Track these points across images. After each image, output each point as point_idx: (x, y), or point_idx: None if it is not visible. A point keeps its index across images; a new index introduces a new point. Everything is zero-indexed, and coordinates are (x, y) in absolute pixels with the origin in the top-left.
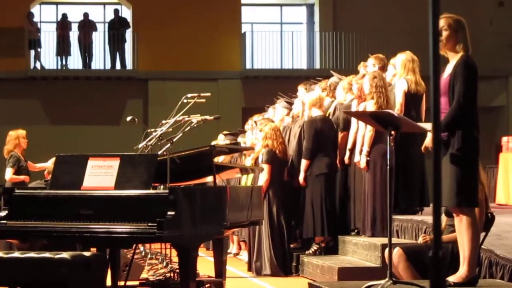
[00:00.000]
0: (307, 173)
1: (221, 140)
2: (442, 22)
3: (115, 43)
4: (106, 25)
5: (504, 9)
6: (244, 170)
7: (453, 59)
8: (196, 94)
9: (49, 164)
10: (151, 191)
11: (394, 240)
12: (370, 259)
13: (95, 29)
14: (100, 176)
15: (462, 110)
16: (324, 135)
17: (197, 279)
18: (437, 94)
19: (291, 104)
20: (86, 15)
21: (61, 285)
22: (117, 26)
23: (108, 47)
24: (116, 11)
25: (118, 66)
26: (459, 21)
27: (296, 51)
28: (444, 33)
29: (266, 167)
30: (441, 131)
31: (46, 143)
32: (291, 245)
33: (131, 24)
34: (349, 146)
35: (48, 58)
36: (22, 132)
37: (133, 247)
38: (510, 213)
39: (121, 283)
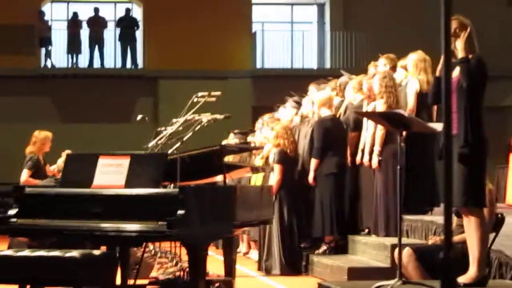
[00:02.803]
0: (316, 172)
1: (231, 138)
2: (455, 23)
3: (126, 41)
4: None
5: None
6: (255, 169)
7: None
8: (206, 93)
9: (60, 162)
10: (161, 189)
11: (404, 240)
12: (380, 259)
13: (105, 26)
14: (110, 174)
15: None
16: (334, 135)
17: (206, 278)
18: (449, 94)
19: (300, 103)
20: (96, 10)
21: (70, 283)
22: (127, 25)
23: (119, 45)
24: (127, 10)
25: (129, 64)
26: (469, 23)
27: (307, 50)
28: (458, 33)
29: (277, 167)
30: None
31: (57, 141)
32: (301, 245)
33: (141, 22)
34: (361, 146)
35: (59, 56)
36: (49, 135)
37: (143, 246)
38: None
39: (131, 281)
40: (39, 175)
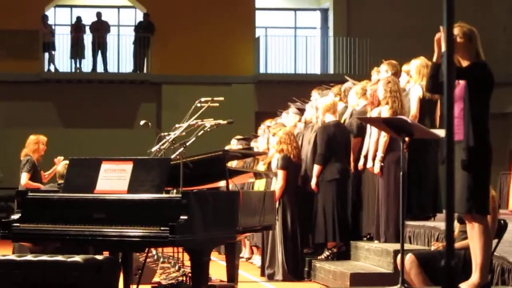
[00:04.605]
0: (319, 178)
1: (234, 144)
2: (456, 31)
3: (141, 46)
4: (120, 28)
5: None
6: (258, 175)
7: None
8: (209, 98)
9: (60, 167)
10: (164, 195)
11: (407, 246)
12: (383, 265)
13: (109, 31)
14: (113, 180)
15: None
16: (337, 141)
17: (209, 283)
18: (451, 101)
19: (302, 110)
20: (99, 14)
21: None
22: (142, 31)
23: (130, 50)
24: (146, 15)
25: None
26: (472, 31)
27: (310, 56)
28: (459, 41)
29: (281, 173)
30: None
31: (59, 146)
32: (304, 250)
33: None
34: (363, 152)
35: (62, 61)
36: (43, 138)
37: (146, 251)
38: None
39: (133, 286)
40: (36, 178)
